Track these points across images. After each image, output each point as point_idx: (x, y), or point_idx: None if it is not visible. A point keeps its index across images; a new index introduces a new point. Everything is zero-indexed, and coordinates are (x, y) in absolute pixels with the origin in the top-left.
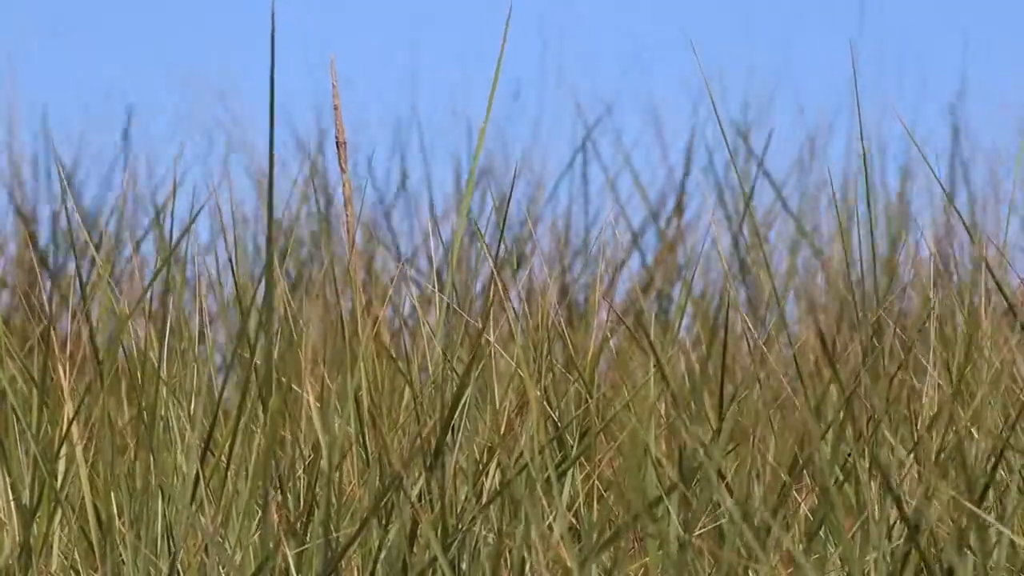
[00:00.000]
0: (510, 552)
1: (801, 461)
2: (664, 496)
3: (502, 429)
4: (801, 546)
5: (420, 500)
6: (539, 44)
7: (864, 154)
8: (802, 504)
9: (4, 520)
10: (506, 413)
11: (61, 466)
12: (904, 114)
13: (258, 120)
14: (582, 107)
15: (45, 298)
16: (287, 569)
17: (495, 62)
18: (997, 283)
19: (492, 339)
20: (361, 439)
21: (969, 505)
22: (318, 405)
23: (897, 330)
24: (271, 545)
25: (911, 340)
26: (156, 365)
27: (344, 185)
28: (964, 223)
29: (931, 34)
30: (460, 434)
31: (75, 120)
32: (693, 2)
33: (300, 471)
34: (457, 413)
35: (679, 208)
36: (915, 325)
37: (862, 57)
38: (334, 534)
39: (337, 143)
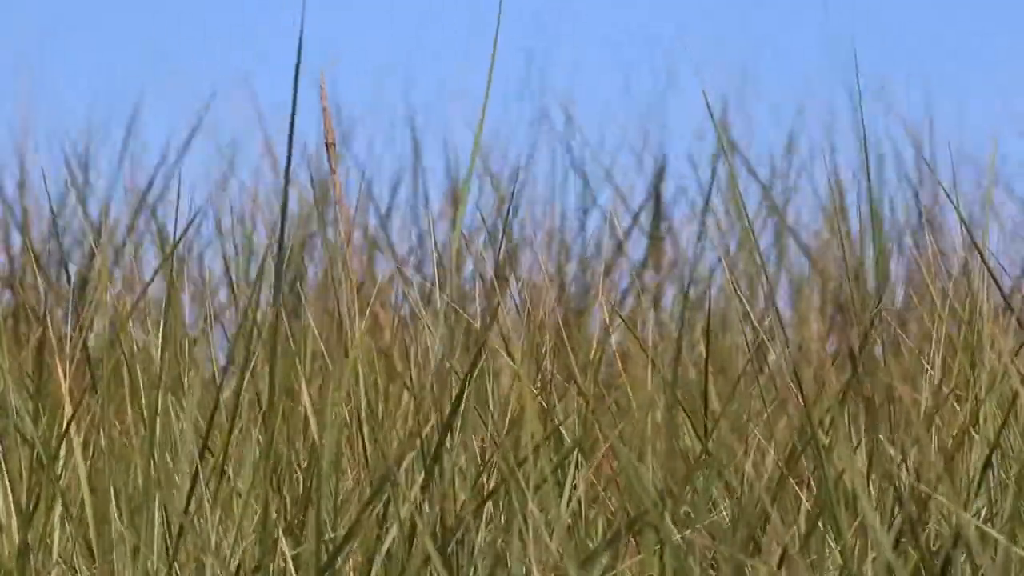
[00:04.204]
0: (508, 552)
1: (799, 458)
2: (662, 495)
3: (501, 429)
4: (799, 544)
5: (418, 500)
6: (534, 43)
7: (865, 152)
8: (802, 502)
9: (3, 521)
10: (506, 413)
11: (60, 466)
12: (894, 111)
13: (254, 120)
14: (572, 106)
15: (44, 298)
16: (285, 569)
17: (492, 62)
18: (992, 274)
19: (492, 339)
20: (359, 439)
21: (960, 512)
22: (316, 405)
23: (895, 327)
24: (269, 544)
25: (913, 341)
26: (155, 365)
27: (335, 186)
28: (962, 219)
29: (921, 32)
30: (459, 434)
31: (76, 119)
32: (683, 1)
33: (298, 471)
34: (456, 413)
35: (658, 206)
36: (916, 322)
37: (841, 54)
38: (331, 534)
39: (326, 144)
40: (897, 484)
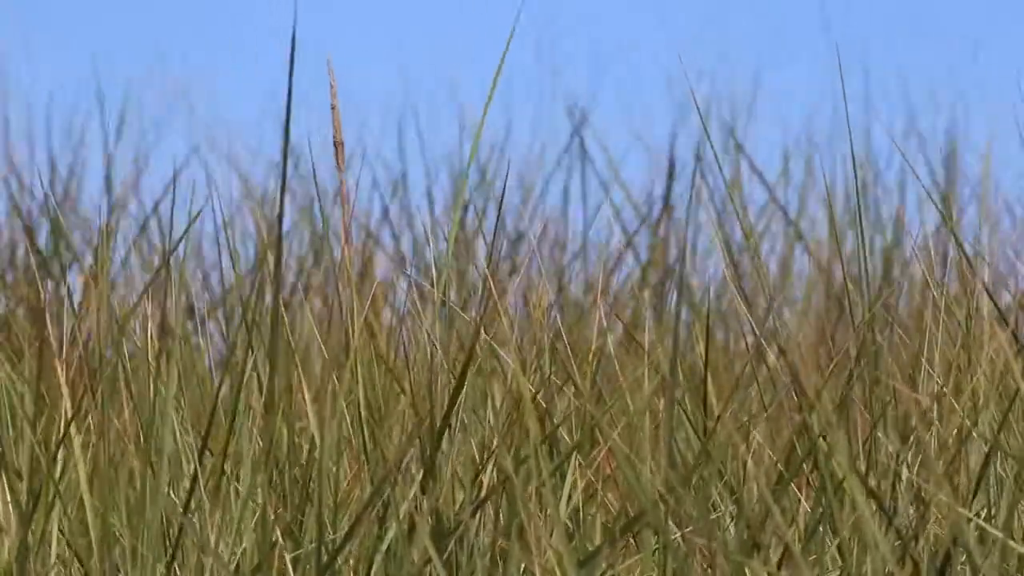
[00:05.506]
0: (506, 551)
1: (799, 458)
2: (660, 496)
3: (500, 428)
4: (799, 544)
5: (416, 499)
6: (534, 41)
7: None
8: (801, 501)
9: (2, 520)
10: (503, 413)
11: (59, 466)
12: (891, 113)
13: (249, 117)
14: (572, 104)
15: (44, 298)
16: (284, 569)
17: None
18: (987, 290)
19: (489, 338)
20: (360, 438)
21: (961, 510)
22: (315, 404)
23: (895, 328)
24: (268, 545)
25: (911, 340)
26: (153, 365)
27: (341, 185)
28: (949, 224)
29: (920, 32)
30: (457, 433)
31: (73, 118)
32: (681, 1)
33: (297, 470)
34: (454, 411)
35: (668, 207)
36: (914, 323)
37: (843, 57)
38: (330, 534)
39: (334, 143)
40: (896, 484)
